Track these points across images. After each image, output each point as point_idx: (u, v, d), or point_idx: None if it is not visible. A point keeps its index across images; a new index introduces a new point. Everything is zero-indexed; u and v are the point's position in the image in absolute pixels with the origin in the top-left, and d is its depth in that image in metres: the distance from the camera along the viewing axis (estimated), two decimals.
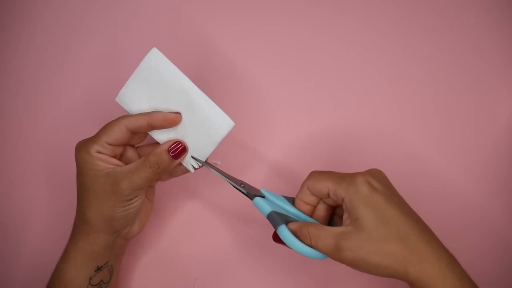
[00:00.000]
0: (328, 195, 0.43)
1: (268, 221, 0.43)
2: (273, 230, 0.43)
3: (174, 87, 0.45)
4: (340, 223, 0.45)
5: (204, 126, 0.46)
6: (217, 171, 0.46)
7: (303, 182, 0.45)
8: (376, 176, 0.42)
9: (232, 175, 0.47)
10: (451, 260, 0.40)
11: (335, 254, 0.40)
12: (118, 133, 0.44)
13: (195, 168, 0.47)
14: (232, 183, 0.46)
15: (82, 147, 0.44)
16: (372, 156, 0.55)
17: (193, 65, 0.58)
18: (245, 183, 0.46)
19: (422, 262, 0.39)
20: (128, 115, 0.45)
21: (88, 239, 0.44)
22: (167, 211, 0.55)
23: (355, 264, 0.40)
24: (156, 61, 0.45)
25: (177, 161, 0.45)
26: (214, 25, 0.59)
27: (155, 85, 0.46)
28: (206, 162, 0.47)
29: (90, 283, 0.45)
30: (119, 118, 0.45)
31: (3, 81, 0.59)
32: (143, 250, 0.54)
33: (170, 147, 0.45)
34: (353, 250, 0.39)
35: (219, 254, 0.53)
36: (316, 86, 0.57)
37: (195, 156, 0.46)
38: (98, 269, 0.45)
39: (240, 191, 0.46)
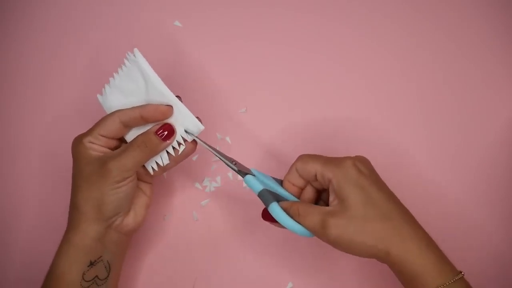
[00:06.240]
0: (316, 178, 0.44)
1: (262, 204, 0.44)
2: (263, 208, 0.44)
3: (151, 88, 0.46)
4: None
5: (176, 127, 0.47)
6: (209, 147, 0.47)
7: (292, 164, 0.46)
8: (363, 162, 0.43)
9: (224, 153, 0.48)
10: (430, 241, 0.41)
11: (320, 231, 0.41)
12: (110, 125, 0.45)
13: (179, 144, 0.47)
14: (224, 160, 0.47)
15: (77, 139, 0.46)
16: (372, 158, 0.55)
17: (192, 64, 0.58)
18: (236, 161, 0.47)
19: (404, 241, 0.40)
20: (122, 109, 0.46)
21: (78, 231, 0.45)
22: (167, 211, 0.55)
23: (339, 242, 0.41)
24: (137, 61, 0.46)
25: (166, 143, 0.46)
26: (212, 26, 0.59)
27: (134, 84, 0.47)
28: (198, 138, 0.47)
29: (83, 278, 0.44)
30: (113, 111, 0.46)
31: (3, 81, 0.59)
32: (143, 250, 0.54)
33: (158, 129, 0.46)
34: (338, 228, 0.40)
35: (219, 254, 0.53)
36: (311, 82, 0.57)
37: (188, 130, 0.46)
38: (91, 264, 0.45)
39: (232, 168, 0.46)
